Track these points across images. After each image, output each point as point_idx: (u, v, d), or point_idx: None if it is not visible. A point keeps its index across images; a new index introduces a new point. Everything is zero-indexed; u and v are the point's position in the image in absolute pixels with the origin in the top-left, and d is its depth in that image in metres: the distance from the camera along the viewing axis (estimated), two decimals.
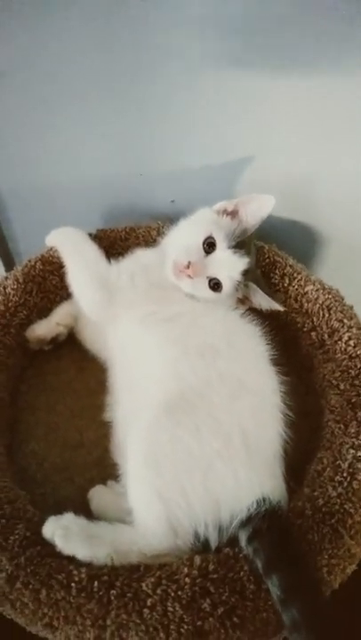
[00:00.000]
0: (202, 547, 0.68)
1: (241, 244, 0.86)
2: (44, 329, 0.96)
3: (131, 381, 0.83)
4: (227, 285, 0.85)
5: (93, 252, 0.94)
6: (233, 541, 0.67)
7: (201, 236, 0.85)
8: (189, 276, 0.83)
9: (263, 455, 0.72)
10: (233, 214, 0.90)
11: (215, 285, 0.85)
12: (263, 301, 0.87)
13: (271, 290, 0.95)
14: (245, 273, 0.86)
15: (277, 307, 0.86)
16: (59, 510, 0.70)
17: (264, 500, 0.67)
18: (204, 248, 0.85)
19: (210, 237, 0.85)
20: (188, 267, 0.82)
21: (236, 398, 0.73)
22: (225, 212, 0.89)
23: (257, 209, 0.87)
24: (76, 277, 0.92)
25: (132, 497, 0.70)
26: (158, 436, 0.70)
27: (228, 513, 0.67)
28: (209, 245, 0.85)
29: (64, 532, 0.66)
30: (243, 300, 0.89)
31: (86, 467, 0.84)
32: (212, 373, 0.75)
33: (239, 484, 0.68)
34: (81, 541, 0.66)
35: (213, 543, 0.67)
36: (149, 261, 0.90)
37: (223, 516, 0.67)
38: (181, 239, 0.88)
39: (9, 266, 1.30)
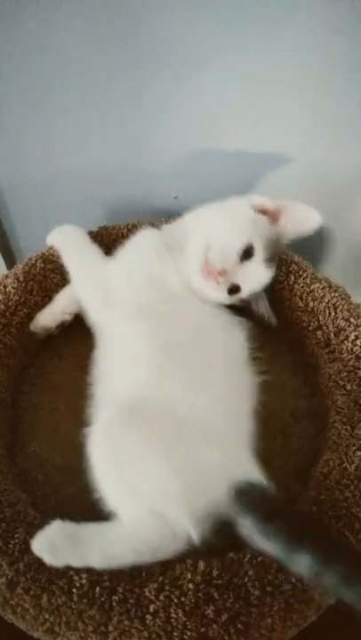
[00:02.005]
0: (205, 549, 0.66)
1: (275, 248, 0.84)
2: (49, 318, 0.94)
3: (105, 377, 0.82)
4: (244, 293, 0.84)
5: (94, 255, 0.92)
6: (237, 545, 0.65)
7: (240, 241, 0.81)
8: (218, 282, 0.80)
9: (229, 440, 0.71)
10: (272, 216, 0.86)
11: (234, 290, 0.83)
12: (265, 311, 0.88)
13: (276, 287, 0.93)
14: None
15: (273, 320, 0.88)
16: (60, 512, 0.69)
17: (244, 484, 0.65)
18: (240, 256, 0.82)
19: (250, 245, 0.82)
20: (221, 273, 0.80)
21: (195, 389, 0.73)
22: (263, 211, 0.86)
23: (301, 221, 0.84)
24: (77, 281, 0.92)
25: (106, 496, 0.68)
26: (118, 429, 0.69)
27: (200, 497, 0.65)
28: (246, 254, 0.82)
29: (49, 547, 0.64)
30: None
31: (88, 467, 0.82)
32: (172, 363, 0.75)
33: (205, 466, 0.67)
34: (70, 550, 0.64)
35: (194, 534, 0.64)
36: (153, 246, 0.88)
37: (197, 501, 0.65)
38: (216, 234, 0.83)
39: (10, 263, 1.29)
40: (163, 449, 0.67)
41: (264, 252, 0.83)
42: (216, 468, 0.67)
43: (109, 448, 0.68)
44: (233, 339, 0.83)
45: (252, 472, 0.69)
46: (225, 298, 0.84)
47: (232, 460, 0.69)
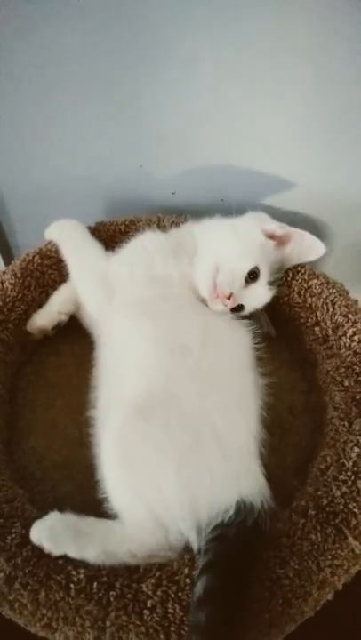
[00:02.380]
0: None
1: (278, 270, 0.89)
2: (45, 319, 0.93)
3: (109, 378, 0.82)
4: (246, 311, 0.87)
5: (93, 249, 0.92)
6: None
7: (248, 265, 0.85)
8: (226, 305, 0.83)
9: (237, 453, 0.70)
10: (279, 241, 0.89)
11: (237, 308, 0.86)
12: (264, 323, 0.90)
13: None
14: None
15: (272, 331, 0.91)
16: (58, 508, 0.69)
17: (246, 505, 0.65)
18: (246, 278, 0.85)
19: (256, 269, 0.85)
20: (228, 298, 0.82)
21: (204, 397, 0.72)
22: (271, 236, 0.89)
23: (306, 249, 0.89)
24: (77, 275, 0.91)
25: (113, 499, 0.69)
26: (129, 436, 0.69)
27: (206, 511, 0.65)
28: (252, 277, 0.85)
29: (50, 534, 0.65)
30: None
31: (86, 463, 0.81)
32: (180, 370, 0.75)
33: (214, 478, 0.67)
34: (70, 539, 0.64)
35: (195, 543, 0.65)
36: (158, 248, 0.89)
37: (202, 514, 0.65)
38: (225, 257, 0.85)
39: (8, 259, 1.28)
40: (174, 459, 0.67)
41: (268, 276, 0.87)
42: (224, 481, 0.67)
43: (121, 453, 0.68)
44: (241, 340, 0.83)
45: (256, 487, 0.68)
46: (228, 313, 0.86)
47: (240, 473, 0.69)
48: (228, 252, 0.86)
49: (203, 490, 0.66)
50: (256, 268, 0.85)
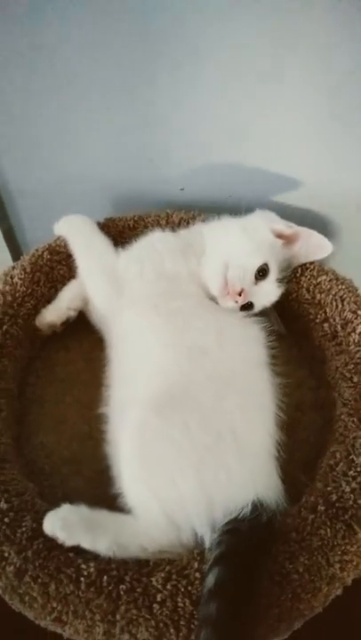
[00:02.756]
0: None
1: (286, 268, 0.89)
2: (54, 315, 0.93)
3: (125, 375, 0.82)
4: (256, 309, 0.87)
5: (102, 244, 0.93)
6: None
7: (257, 261, 0.85)
8: (237, 301, 0.83)
9: (255, 453, 0.71)
10: (287, 240, 0.90)
11: (247, 306, 0.86)
12: (274, 321, 0.89)
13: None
14: None
15: (283, 329, 0.91)
16: (67, 502, 0.69)
17: (262, 505, 0.65)
18: (255, 275, 0.85)
19: (265, 265, 0.86)
20: (240, 293, 0.83)
21: (223, 398, 0.72)
22: (280, 235, 0.90)
23: (314, 248, 0.90)
24: (85, 270, 0.92)
25: (128, 495, 0.69)
26: (148, 434, 0.69)
27: (222, 510, 0.65)
28: (261, 274, 0.86)
29: (64, 524, 0.65)
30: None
31: (95, 458, 0.82)
32: (199, 373, 0.75)
33: (232, 480, 0.67)
34: (83, 529, 0.65)
35: (208, 541, 0.65)
36: (167, 247, 0.89)
37: (218, 512, 0.65)
38: (235, 254, 0.86)
39: (16, 256, 1.28)
40: (192, 460, 0.67)
41: (278, 273, 0.88)
42: (242, 482, 0.67)
43: (140, 451, 0.69)
44: (255, 338, 0.83)
45: (272, 488, 0.69)
46: (238, 311, 0.86)
47: (257, 473, 0.69)
48: (238, 250, 0.87)
49: (220, 490, 0.66)
50: (265, 264, 0.86)
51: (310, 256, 0.92)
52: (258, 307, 0.87)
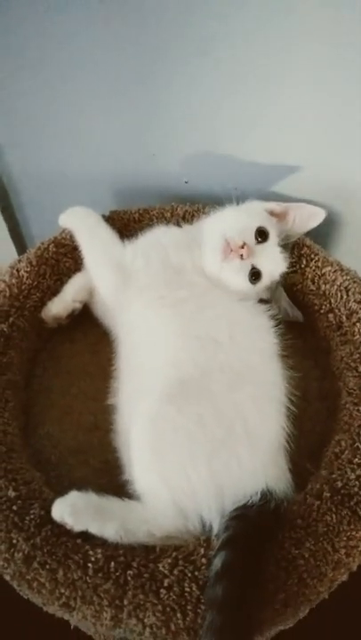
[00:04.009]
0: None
1: (285, 243, 0.87)
2: (59, 307, 0.94)
3: (134, 367, 0.82)
4: (265, 280, 0.86)
5: (108, 235, 0.93)
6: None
7: (255, 223, 0.85)
8: (242, 256, 0.82)
9: (266, 444, 0.71)
10: (280, 217, 0.90)
11: (255, 275, 0.84)
12: (288, 307, 0.88)
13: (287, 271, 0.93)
14: (282, 276, 0.88)
15: (299, 316, 0.89)
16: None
17: (271, 493, 0.66)
18: (255, 236, 0.84)
19: (263, 228, 0.85)
20: (242, 247, 0.81)
21: (236, 390, 0.73)
22: (272, 214, 0.89)
23: (307, 218, 0.90)
24: (92, 261, 0.92)
25: (139, 483, 0.70)
26: (161, 424, 0.70)
27: (231, 499, 0.66)
28: (261, 235, 0.85)
29: (72, 510, 0.65)
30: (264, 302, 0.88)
31: (101, 449, 0.83)
32: (212, 364, 0.75)
33: (243, 471, 0.68)
34: (91, 515, 0.65)
35: (217, 528, 0.66)
36: (171, 241, 0.89)
37: (227, 501, 0.66)
38: (230, 223, 0.86)
39: (22, 249, 1.29)
40: (205, 451, 0.68)
41: (278, 238, 0.86)
42: (252, 473, 0.68)
43: (153, 441, 0.69)
44: (266, 329, 0.82)
45: (281, 479, 0.70)
46: (247, 285, 0.84)
47: (268, 465, 0.70)
48: (233, 219, 0.87)
49: (231, 480, 0.67)
50: (263, 227, 0.85)
51: (306, 225, 0.91)
52: (266, 275, 0.85)
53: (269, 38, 0.86)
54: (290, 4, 0.81)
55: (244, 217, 0.87)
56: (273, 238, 0.85)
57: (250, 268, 0.84)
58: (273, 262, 0.86)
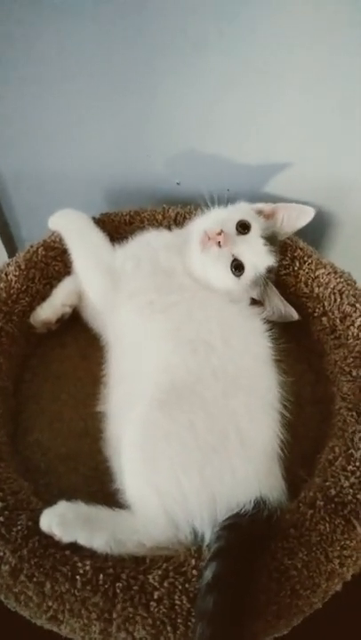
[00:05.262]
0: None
1: (272, 239, 0.85)
2: (48, 312, 0.92)
3: (125, 372, 0.81)
4: (248, 272, 0.83)
5: (98, 238, 0.92)
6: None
7: (236, 215, 0.85)
8: (219, 243, 0.81)
9: (260, 451, 0.70)
10: (269, 217, 0.89)
11: (237, 267, 0.83)
12: (280, 305, 0.85)
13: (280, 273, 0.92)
14: (269, 271, 0.85)
15: (294, 313, 0.84)
16: (63, 500, 0.68)
17: (264, 502, 0.65)
18: (237, 228, 0.84)
19: (244, 220, 0.84)
20: (219, 234, 0.81)
21: (230, 396, 0.71)
22: (261, 213, 0.89)
23: (296, 217, 0.89)
24: (81, 264, 0.91)
25: (129, 491, 0.69)
26: (152, 431, 0.68)
27: (224, 508, 0.65)
28: (242, 227, 0.84)
29: (60, 520, 0.64)
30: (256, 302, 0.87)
31: (91, 455, 0.82)
32: (205, 370, 0.73)
33: (236, 479, 0.66)
34: (80, 525, 0.64)
35: (209, 538, 0.64)
36: (161, 245, 0.89)
37: (220, 511, 0.65)
38: (212, 219, 0.87)
39: (12, 252, 1.28)
40: (197, 459, 0.66)
41: (261, 231, 0.85)
42: (246, 482, 0.66)
43: (144, 449, 0.68)
44: (259, 333, 0.81)
45: (275, 487, 0.68)
46: (231, 277, 0.83)
47: (262, 473, 0.68)
48: (215, 217, 0.87)
49: (223, 489, 0.66)
50: (245, 219, 0.84)
51: (296, 224, 0.90)
52: (249, 267, 0.83)
53: (262, 42, 0.85)
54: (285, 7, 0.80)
55: (227, 212, 0.87)
56: (256, 230, 0.84)
57: (231, 258, 0.83)
58: (256, 254, 0.84)
